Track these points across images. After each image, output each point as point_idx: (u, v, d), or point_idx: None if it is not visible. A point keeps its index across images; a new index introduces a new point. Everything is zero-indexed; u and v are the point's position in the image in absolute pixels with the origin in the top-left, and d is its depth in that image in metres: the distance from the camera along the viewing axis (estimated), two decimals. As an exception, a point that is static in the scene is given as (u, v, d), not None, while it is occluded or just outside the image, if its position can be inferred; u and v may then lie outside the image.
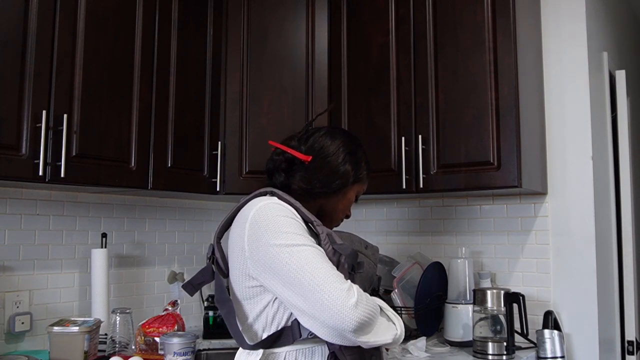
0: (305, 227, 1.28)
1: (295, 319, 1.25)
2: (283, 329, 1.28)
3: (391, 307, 2.18)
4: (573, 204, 2.27)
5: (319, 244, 1.26)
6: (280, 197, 1.32)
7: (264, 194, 1.36)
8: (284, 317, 1.28)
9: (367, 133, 2.34)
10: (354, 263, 1.28)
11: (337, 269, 1.22)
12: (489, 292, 2.08)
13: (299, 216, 1.29)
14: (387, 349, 1.86)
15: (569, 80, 2.32)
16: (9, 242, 2.02)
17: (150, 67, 2.13)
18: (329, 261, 1.21)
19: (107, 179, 1.95)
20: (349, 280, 1.20)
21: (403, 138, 2.25)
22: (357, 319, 1.13)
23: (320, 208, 1.45)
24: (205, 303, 2.50)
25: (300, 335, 1.25)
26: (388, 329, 1.24)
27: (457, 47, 2.18)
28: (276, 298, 1.26)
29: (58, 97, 1.81)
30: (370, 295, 1.29)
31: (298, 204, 1.32)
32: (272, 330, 1.28)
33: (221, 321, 2.47)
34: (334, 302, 1.12)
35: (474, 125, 2.12)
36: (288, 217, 1.25)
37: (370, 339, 1.18)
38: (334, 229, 1.52)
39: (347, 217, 1.53)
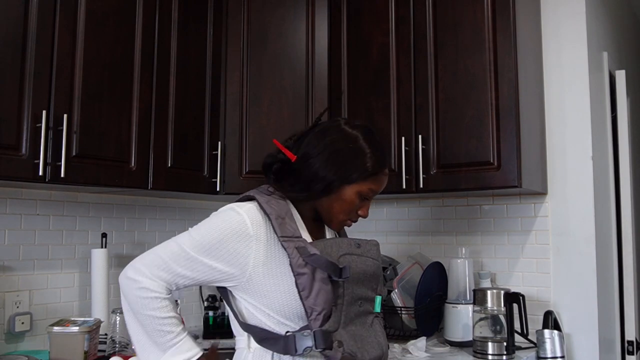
0: (246, 247, 1.28)
1: (291, 334, 1.28)
2: (275, 334, 1.30)
3: (391, 307, 2.21)
4: (573, 204, 2.27)
5: (290, 258, 1.26)
6: (261, 204, 1.31)
7: (247, 198, 1.36)
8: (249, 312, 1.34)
9: (367, 133, 2.33)
10: (332, 272, 1.27)
11: (314, 281, 1.24)
12: (489, 292, 2.08)
13: (254, 231, 1.29)
14: None
15: (569, 80, 2.32)
16: (9, 242, 2.02)
17: (150, 67, 2.13)
18: (184, 264, 1.28)
19: (107, 179, 1.95)
20: (161, 283, 1.28)
21: (403, 138, 2.25)
22: (124, 286, 1.30)
23: (315, 209, 1.42)
24: (205, 303, 2.50)
25: (296, 351, 1.27)
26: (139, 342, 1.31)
27: (457, 47, 2.18)
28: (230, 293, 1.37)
29: (58, 97, 1.81)
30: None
31: (281, 212, 1.31)
32: (246, 318, 1.34)
33: (221, 321, 2.48)
34: (129, 266, 1.31)
35: (474, 125, 2.12)
36: (227, 232, 1.28)
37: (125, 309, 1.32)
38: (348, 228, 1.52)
39: (362, 216, 1.43)
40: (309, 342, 1.26)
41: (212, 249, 1.29)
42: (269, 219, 1.30)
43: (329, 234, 1.50)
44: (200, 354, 1.30)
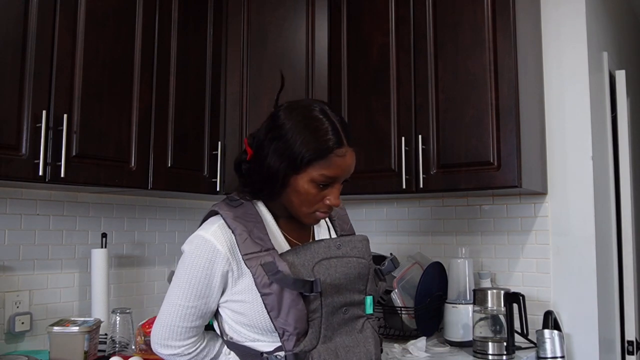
0: (228, 265, 1.25)
1: (265, 356, 1.26)
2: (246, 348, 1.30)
3: (391, 307, 2.21)
4: (573, 204, 2.27)
5: (254, 278, 1.22)
6: (226, 220, 1.27)
7: (213, 213, 1.32)
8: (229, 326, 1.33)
9: (367, 133, 2.33)
10: (301, 289, 1.20)
11: (283, 300, 1.19)
12: (489, 292, 2.08)
13: (227, 251, 1.24)
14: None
15: (569, 80, 2.32)
16: (9, 242, 2.02)
17: (150, 67, 2.13)
18: (194, 317, 1.28)
19: (107, 179, 1.95)
20: (191, 341, 1.31)
21: (403, 138, 2.25)
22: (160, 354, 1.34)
23: (281, 208, 1.33)
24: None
25: None
26: None
27: (457, 47, 2.18)
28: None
29: (58, 97, 1.81)
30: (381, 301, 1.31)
31: (248, 225, 1.26)
32: (227, 332, 1.33)
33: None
34: (155, 343, 1.33)
35: (474, 125, 2.12)
36: (205, 266, 1.25)
37: None
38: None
39: (332, 205, 1.29)
40: None
41: (203, 288, 1.26)
42: (234, 234, 1.25)
43: (318, 228, 1.42)
44: None
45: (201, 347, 1.33)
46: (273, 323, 1.21)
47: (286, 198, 1.28)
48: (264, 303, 1.21)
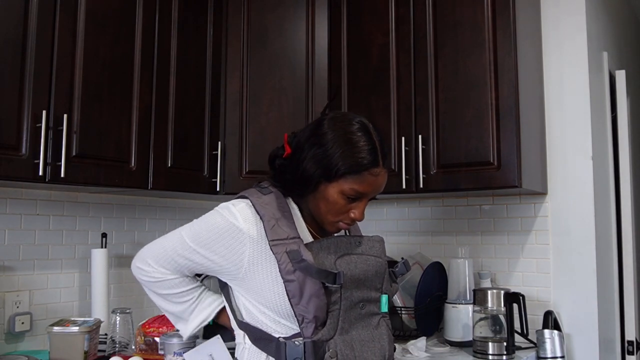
0: (240, 244, 1.28)
1: (282, 341, 1.27)
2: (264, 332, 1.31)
3: (391, 307, 2.20)
4: (573, 204, 2.27)
5: (279, 264, 1.24)
6: (254, 204, 1.30)
7: (242, 197, 1.35)
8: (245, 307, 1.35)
9: (367, 133, 2.33)
10: (324, 279, 1.22)
11: (304, 288, 1.22)
12: (489, 292, 2.08)
13: (247, 229, 1.27)
14: None
15: (569, 81, 2.32)
16: (9, 242, 2.02)
17: (150, 67, 2.13)
18: (183, 255, 1.34)
19: (107, 179, 1.95)
20: (165, 271, 1.38)
21: (403, 138, 2.25)
22: (135, 273, 1.46)
23: (307, 208, 1.37)
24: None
25: (287, 359, 1.27)
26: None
27: (457, 47, 2.18)
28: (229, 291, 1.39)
29: (58, 97, 1.81)
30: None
31: (276, 213, 1.29)
32: (243, 315, 1.35)
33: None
34: (137, 256, 1.45)
35: (474, 125, 2.12)
36: (221, 228, 1.29)
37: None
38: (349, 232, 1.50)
39: (355, 219, 1.34)
40: (299, 353, 1.24)
41: (208, 241, 1.30)
42: (262, 220, 1.28)
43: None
44: (217, 310, 1.43)
45: (170, 277, 1.39)
46: (293, 309, 1.24)
47: (314, 203, 1.33)
48: (286, 290, 1.24)
